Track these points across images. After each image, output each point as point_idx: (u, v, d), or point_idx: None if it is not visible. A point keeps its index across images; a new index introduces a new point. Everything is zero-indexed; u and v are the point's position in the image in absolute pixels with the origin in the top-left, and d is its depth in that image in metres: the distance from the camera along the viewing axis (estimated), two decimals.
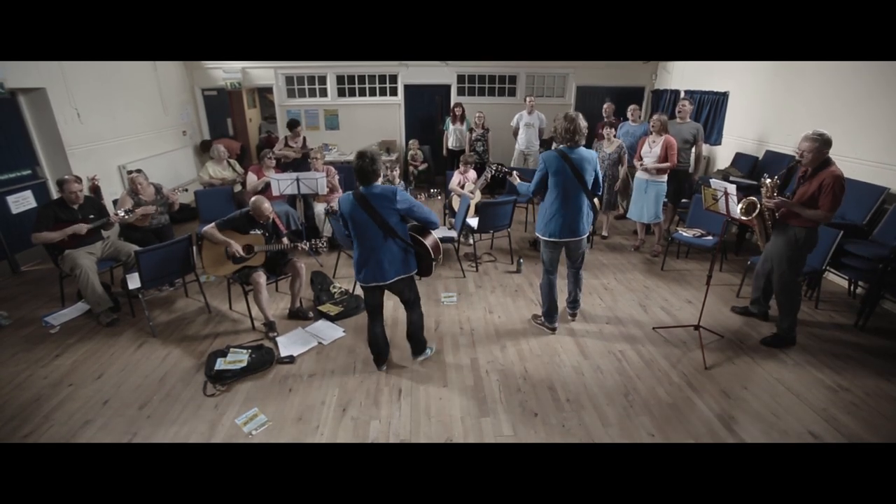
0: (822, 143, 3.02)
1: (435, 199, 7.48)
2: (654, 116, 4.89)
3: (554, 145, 6.12)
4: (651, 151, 4.86)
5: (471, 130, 7.18)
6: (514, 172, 3.83)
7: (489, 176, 5.50)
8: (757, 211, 3.20)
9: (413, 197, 3.09)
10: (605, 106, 6.56)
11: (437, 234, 3.18)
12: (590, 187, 3.37)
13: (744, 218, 3.27)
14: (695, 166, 5.53)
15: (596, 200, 3.55)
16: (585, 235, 3.49)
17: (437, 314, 4.02)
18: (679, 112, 5.41)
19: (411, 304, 3.16)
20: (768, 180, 3.23)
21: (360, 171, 2.77)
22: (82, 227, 3.84)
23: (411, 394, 3.04)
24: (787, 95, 5.32)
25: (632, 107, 6.01)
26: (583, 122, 3.27)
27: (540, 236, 3.53)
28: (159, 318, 4.00)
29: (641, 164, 4.95)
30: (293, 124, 6.57)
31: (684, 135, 5.25)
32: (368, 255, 2.87)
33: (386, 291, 3.06)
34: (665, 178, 4.91)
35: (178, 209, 4.84)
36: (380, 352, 3.23)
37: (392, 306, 3.98)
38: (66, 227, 3.79)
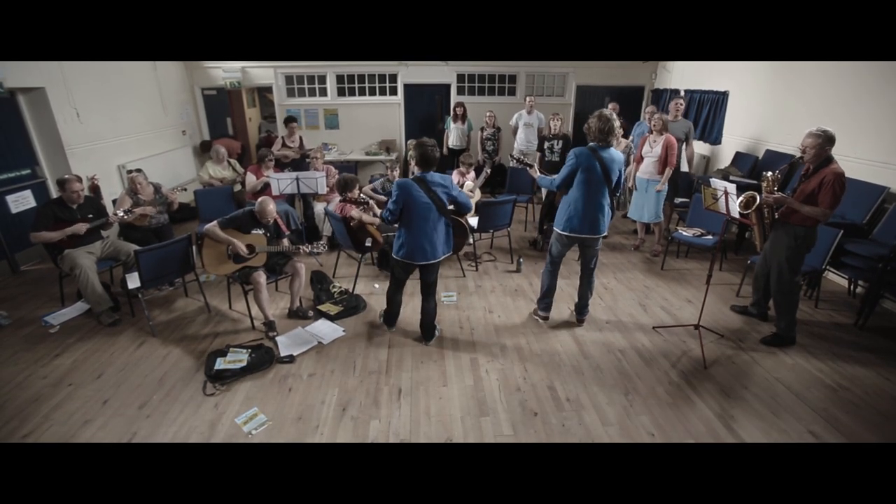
0: (825, 140, 3.03)
1: None
2: (655, 116, 4.90)
3: (546, 144, 6.15)
4: (652, 151, 4.86)
5: (482, 129, 7.18)
6: (535, 165, 3.84)
7: (489, 172, 5.48)
8: (756, 204, 3.20)
9: None
10: (609, 106, 6.56)
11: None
12: (613, 187, 3.42)
13: (743, 212, 3.26)
14: (688, 164, 5.54)
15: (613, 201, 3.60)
16: (603, 235, 3.53)
17: (438, 313, 4.00)
18: (676, 110, 5.40)
19: (431, 289, 3.43)
20: (770, 174, 3.23)
21: (424, 157, 3.10)
22: (81, 228, 3.83)
23: (411, 393, 3.04)
24: (787, 95, 5.32)
25: (649, 108, 6.06)
26: (617, 123, 3.31)
27: (557, 230, 3.53)
28: (159, 317, 4.00)
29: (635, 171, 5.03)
30: (289, 120, 6.61)
31: (676, 133, 5.25)
32: (422, 236, 3.17)
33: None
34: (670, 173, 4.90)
35: (177, 209, 4.84)
36: (395, 313, 3.65)
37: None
38: (65, 227, 3.79)
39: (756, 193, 3.23)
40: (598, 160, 3.30)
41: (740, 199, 3.24)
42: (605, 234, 3.54)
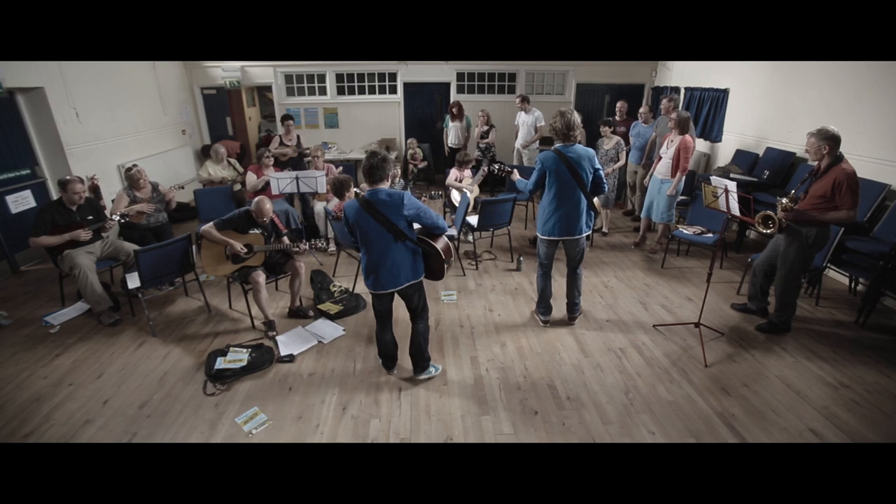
0: (836, 140, 3.08)
1: (436, 201, 7.48)
2: (673, 114, 4.82)
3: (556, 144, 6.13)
4: (668, 151, 4.80)
5: (476, 127, 7.16)
6: (515, 170, 3.84)
7: (486, 170, 5.48)
8: (775, 226, 3.20)
9: (418, 199, 2.97)
10: (618, 105, 6.54)
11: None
12: (588, 186, 3.37)
13: (764, 231, 3.28)
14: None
15: (596, 200, 3.55)
16: (584, 235, 3.49)
17: (437, 312, 4.01)
18: (668, 109, 5.36)
19: (419, 312, 3.01)
20: (784, 200, 3.23)
21: (370, 168, 2.68)
22: (81, 234, 3.82)
23: (411, 392, 3.04)
24: (788, 92, 5.31)
25: (642, 109, 6.02)
26: (576, 117, 3.27)
27: (538, 234, 3.56)
28: (159, 317, 4.00)
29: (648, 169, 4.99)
30: (285, 118, 6.61)
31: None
32: (378, 262, 2.77)
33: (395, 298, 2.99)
34: (681, 178, 4.83)
35: (174, 207, 4.83)
36: (390, 356, 3.16)
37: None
38: (63, 231, 3.79)
39: (771, 214, 3.22)
40: (563, 162, 3.28)
41: (757, 217, 3.23)
42: (587, 233, 3.51)
